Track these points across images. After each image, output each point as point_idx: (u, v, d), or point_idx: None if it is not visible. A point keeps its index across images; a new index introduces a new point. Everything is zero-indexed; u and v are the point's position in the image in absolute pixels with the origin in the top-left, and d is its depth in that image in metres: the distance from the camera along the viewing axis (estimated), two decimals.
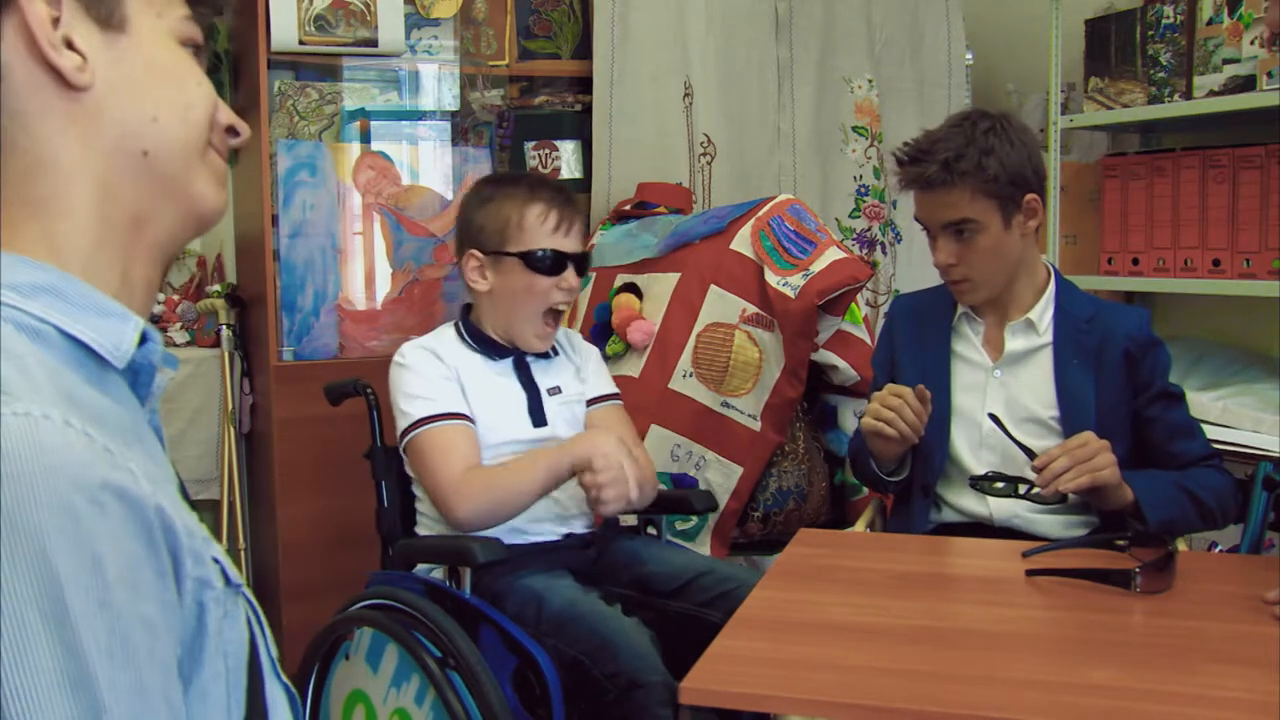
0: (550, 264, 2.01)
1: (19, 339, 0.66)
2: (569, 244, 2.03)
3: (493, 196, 2.05)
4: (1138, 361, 1.93)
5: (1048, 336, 1.96)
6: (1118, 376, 1.92)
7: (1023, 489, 1.83)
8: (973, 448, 1.97)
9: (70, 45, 0.74)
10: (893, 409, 1.86)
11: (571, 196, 2.10)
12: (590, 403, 2.15)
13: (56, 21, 0.74)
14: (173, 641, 0.64)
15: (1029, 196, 1.91)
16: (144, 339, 0.74)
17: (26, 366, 0.64)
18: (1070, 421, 1.91)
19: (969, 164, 1.86)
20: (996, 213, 1.89)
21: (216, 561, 0.70)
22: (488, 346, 2.05)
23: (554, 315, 2.05)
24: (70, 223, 0.74)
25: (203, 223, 0.82)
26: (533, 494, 1.89)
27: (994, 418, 1.90)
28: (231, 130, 0.85)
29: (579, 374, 2.16)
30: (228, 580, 0.71)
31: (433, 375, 1.98)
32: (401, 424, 1.97)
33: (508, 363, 2.06)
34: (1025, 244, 1.95)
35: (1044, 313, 1.97)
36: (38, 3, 0.73)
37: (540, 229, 2.00)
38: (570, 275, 2.03)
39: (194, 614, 0.67)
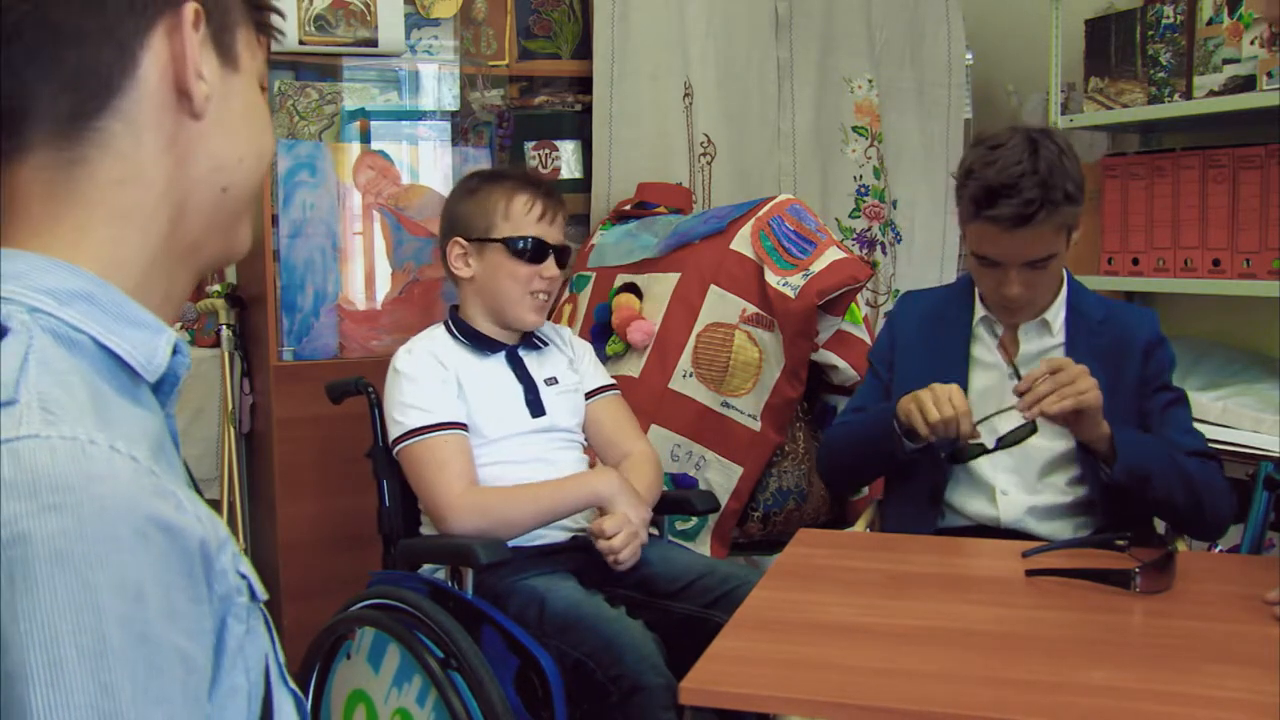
0: (532, 252, 2.05)
1: (58, 352, 0.66)
2: (552, 234, 2.08)
3: (479, 188, 2.11)
4: (1148, 359, 1.93)
5: (1060, 336, 1.96)
6: (1133, 377, 1.92)
7: (991, 443, 1.81)
8: (988, 455, 1.96)
9: (199, 74, 0.75)
10: (944, 417, 1.78)
11: (555, 191, 2.14)
12: (590, 395, 2.17)
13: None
14: (205, 676, 0.64)
15: (1080, 212, 1.89)
16: (174, 350, 0.74)
17: (70, 384, 0.64)
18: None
19: (1058, 194, 1.78)
20: (1065, 236, 1.86)
21: (244, 577, 0.69)
22: (479, 342, 2.07)
23: (540, 297, 2.09)
24: (142, 238, 0.74)
25: (232, 260, 0.84)
26: (527, 527, 1.94)
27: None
28: None
29: (573, 365, 2.18)
30: (253, 595, 0.70)
31: (431, 381, 1.99)
32: (394, 432, 2.00)
33: (500, 356, 2.08)
34: None
35: (1058, 313, 1.97)
36: (193, 27, 0.74)
37: (525, 217, 2.05)
38: (551, 265, 2.07)
39: (215, 632, 0.66)
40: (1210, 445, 1.98)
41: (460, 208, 2.11)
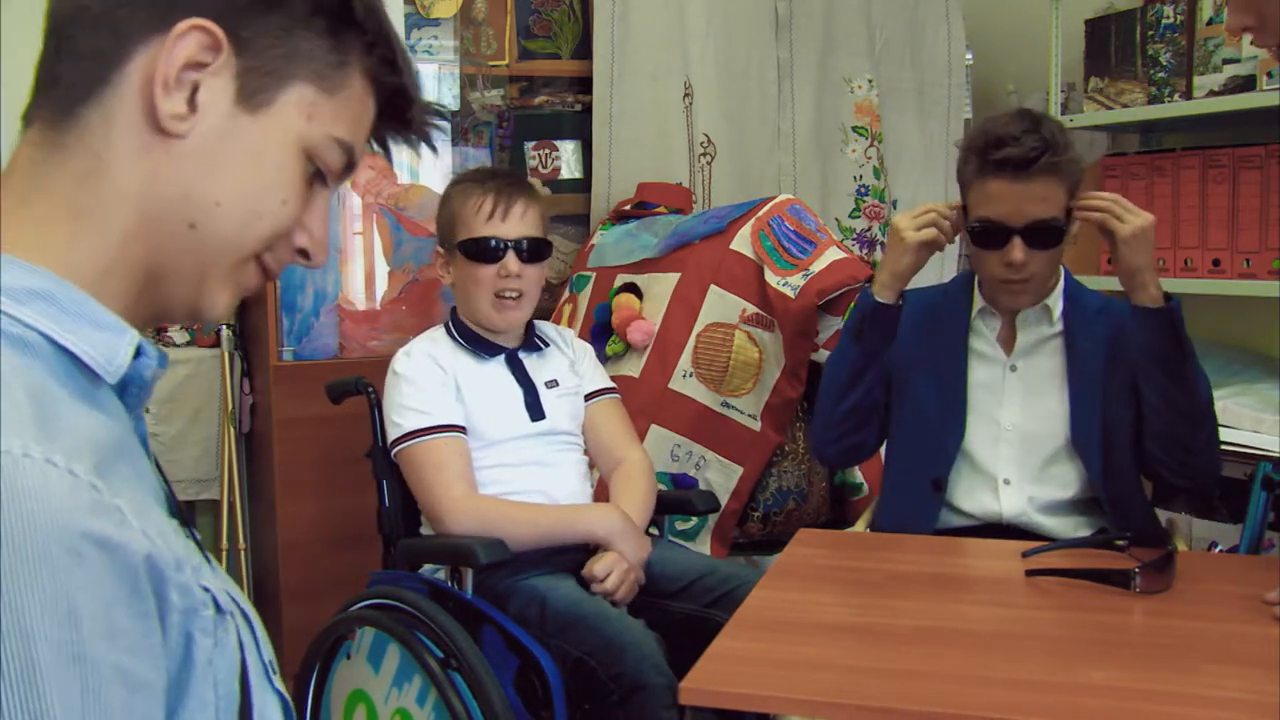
0: (484, 251, 2.00)
1: (4, 355, 0.64)
2: (508, 229, 2.01)
3: (448, 194, 2.10)
4: None
5: (1059, 325, 1.97)
6: (1129, 361, 1.93)
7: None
8: (990, 444, 1.97)
9: (194, 93, 0.72)
10: (932, 211, 1.92)
11: (519, 182, 2.08)
12: (588, 398, 2.17)
13: (202, 67, 0.72)
14: (156, 691, 0.62)
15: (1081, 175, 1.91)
16: (138, 352, 0.72)
17: (11, 391, 0.62)
18: (1079, 400, 1.93)
19: (1060, 149, 1.82)
20: (1069, 213, 1.87)
21: (207, 590, 0.68)
22: (478, 345, 2.07)
23: (509, 297, 2.03)
24: (99, 241, 0.72)
25: (198, 318, 0.80)
26: (524, 545, 1.91)
27: None
28: (302, 253, 0.82)
29: (574, 368, 2.17)
30: (218, 608, 0.69)
31: (429, 383, 1.99)
32: (392, 434, 2.00)
33: (500, 360, 2.08)
34: None
35: (1057, 302, 1.98)
36: (188, 41, 0.71)
37: (475, 218, 2.01)
38: (510, 261, 2.00)
39: (181, 645, 0.65)
40: None
41: (438, 216, 2.12)
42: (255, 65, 0.74)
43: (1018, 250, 1.84)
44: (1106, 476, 1.91)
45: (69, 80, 0.72)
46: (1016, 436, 1.96)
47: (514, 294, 2.02)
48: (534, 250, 2.04)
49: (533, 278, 2.05)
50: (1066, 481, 1.94)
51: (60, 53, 0.73)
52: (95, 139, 0.72)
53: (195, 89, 0.72)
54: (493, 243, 2.00)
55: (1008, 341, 2.00)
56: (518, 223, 2.02)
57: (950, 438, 1.97)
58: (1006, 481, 1.95)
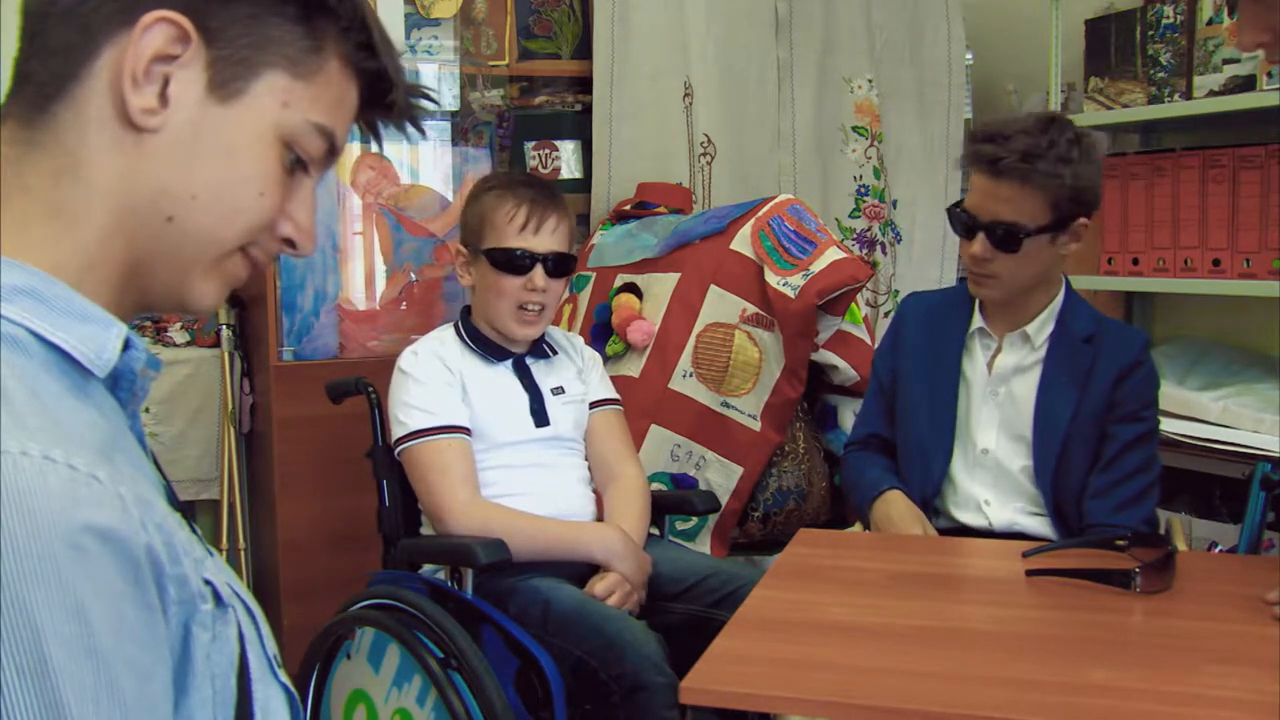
0: (512, 263, 1.98)
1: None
2: (539, 243, 1.99)
3: (479, 194, 2.07)
4: (1122, 382, 1.93)
5: (1042, 352, 1.96)
6: (1102, 399, 1.92)
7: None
8: (970, 468, 1.99)
9: (165, 87, 0.72)
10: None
11: (553, 195, 2.05)
12: (592, 406, 2.16)
13: (171, 59, 0.71)
14: (163, 681, 0.63)
15: (1081, 220, 1.87)
16: (127, 345, 0.71)
17: (8, 390, 0.62)
18: (1040, 436, 1.93)
19: (1046, 166, 1.79)
20: (1048, 225, 1.84)
21: (209, 583, 0.68)
22: (487, 348, 2.06)
23: (530, 310, 2.02)
24: (78, 238, 0.72)
25: (186, 310, 0.79)
26: (525, 556, 1.90)
27: None
28: (289, 242, 0.81)
29: (581, 375, 2.16)
30: (219, 600, 0.69)
31: (435, 383, 1.98)
32: (397, 433, 1.99)
33: (507, 364, 2.07)
34: (1055, 260, 1.91)
35: (1042, 328, 1.96)
36: (154, 34, 0.71)
37: (507, 227, 1.98)
38: (537, 276, 1.98)
39: (179, 639, 0.65)
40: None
41: (465, 214, 2.08)
42: (225, 55, 0.73)
43: (977, 244, 1.87)
44: (1059, 513, 1.93)
45: (40, 77, 0.72)
46: (992, 461, 1.97)
47: (536, 307, 2.01)
48: (561, 265, 2.02)
49: (556, 292, 2.04)
50: (1041, 504, 1.95)
51: (32, 49, 0.72)
52: (69, 136, 0.71)
53: (166, 82, 0.72)
54: (520, 253, 1.98)
55: (993, 365, 2.00)
56: (549, 237, 2.00)
57: (936, 464, 1.99)
58: (986, 503, 1.97)
